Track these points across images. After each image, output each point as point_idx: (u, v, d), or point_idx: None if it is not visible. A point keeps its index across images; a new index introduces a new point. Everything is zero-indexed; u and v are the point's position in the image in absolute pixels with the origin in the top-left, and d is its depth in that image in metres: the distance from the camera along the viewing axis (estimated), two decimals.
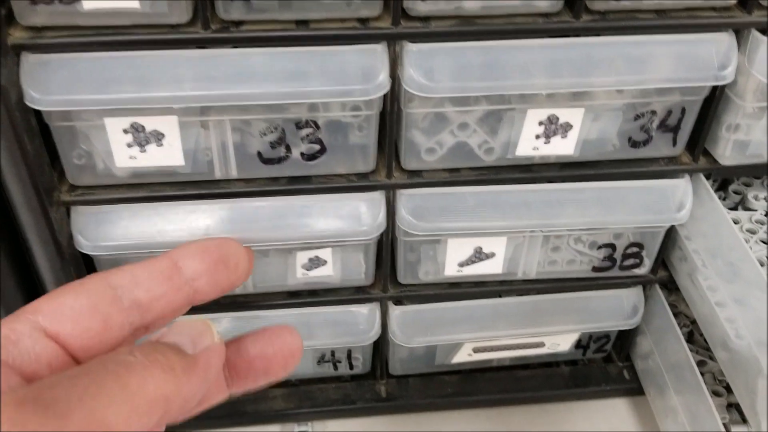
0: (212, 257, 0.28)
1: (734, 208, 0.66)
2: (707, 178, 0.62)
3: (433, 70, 0.48)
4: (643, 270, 0.65)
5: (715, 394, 0.65)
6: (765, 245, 0.61)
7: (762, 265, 0.58)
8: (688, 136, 0.57)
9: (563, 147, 0.56)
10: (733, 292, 0.55)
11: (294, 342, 0.30)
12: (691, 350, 0.63)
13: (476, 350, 0.72)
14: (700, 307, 0.60)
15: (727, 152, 0.57)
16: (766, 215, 0.64)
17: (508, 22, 0.49)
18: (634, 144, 0.57)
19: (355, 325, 0.66)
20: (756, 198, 0.65)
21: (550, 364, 0.77)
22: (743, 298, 0.54)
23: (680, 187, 0.59)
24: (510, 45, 0.49)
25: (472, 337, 0.68)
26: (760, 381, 0.51)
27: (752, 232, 0.63)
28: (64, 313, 0.25)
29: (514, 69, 0.49)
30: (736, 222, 0.63)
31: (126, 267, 0.27)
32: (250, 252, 0.31)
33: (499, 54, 0.49)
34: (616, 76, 0.51)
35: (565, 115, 0.54)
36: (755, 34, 0.51)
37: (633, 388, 0.74)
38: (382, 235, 0.59)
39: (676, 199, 0.59)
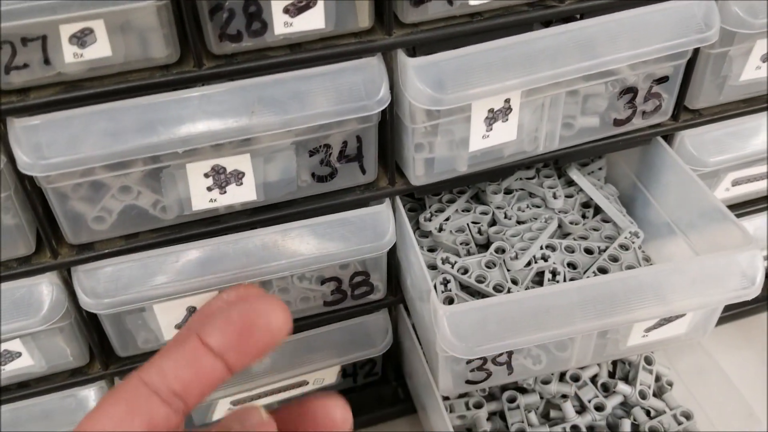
0: (235, 328, 0.29)
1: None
2: (412, 197, 0.61)
3: (42, 145, 0.43)
4: (377, 295, 0.63)
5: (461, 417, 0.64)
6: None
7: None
8: (375, 162, 0.55)
9: (244, 194, 0.52)
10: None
11: (342, 417, 0.32)
12: None
13: (234, 403, 0.67)
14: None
15: (417, 172, 0.55)
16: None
17: (122, 80, 0.44)
18: (320, 179, 0.54)
19: (80, 411, 0.60)
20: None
21: None
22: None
23: (382, 213, 0.56)
24: (131, 104, 0.45)
25: (218, 395, 0.64)
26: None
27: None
28: (106, 424, 0.27)
29: (137, 129, 0.44)
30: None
31: (154, 359, 0.29)
32: (284, 308, 0.31)
33: (118, 116, 0.44)
34: (274, 117, 0.47)
35: (231, 163, 0.50)
36: (401, 56, 0.48)
37: (408, 408, 0.72)
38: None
39: (380, 226, 0.56)
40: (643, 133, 0.60)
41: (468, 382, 0.57)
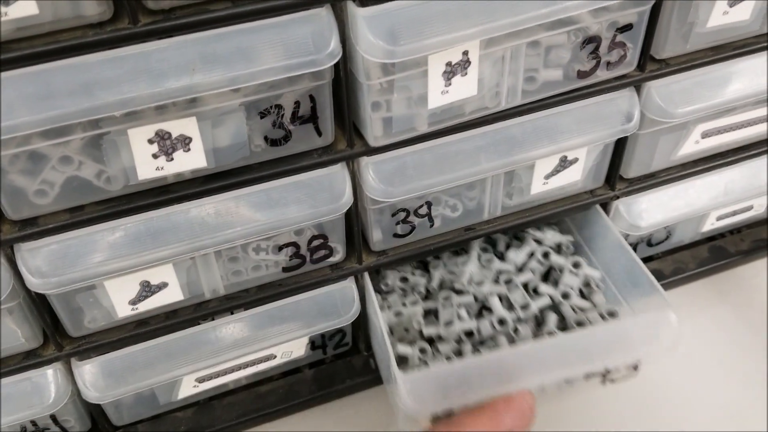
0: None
1: None
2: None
3: None
4: (337, 257, 0.61)
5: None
6: None
7: None
8: (331, 123, 0.52)
9: (192, 161, 0.50)
10: None
11: None
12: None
13: (200, 380, 0.65)
14: None
15: (375, 132, 0.53)
16: None
17: (52, 40, 0.41)
18: (273, 143, 0.51)
19: (36, 395, 0.58)
20: None
21: (294, 370, 0.72)
22: None
23: (338, 174, 0.54)
24: (63, 65, 0.42)
25: (181, 372, 0.62)
26: None
27: None
28: None
29: (71, 93, 0.42)
30: None
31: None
32: None
33: (50, 79, 0.41)
34: (218, 75, 0.44)
35: (176, 127, 0.47)
36: (350, 6, 0.46)
37: (380, 377, 0.71)
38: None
39: (337, 188, 0.54)
40: (608, 86, 0.58)
41: (396, 235, 0.60)
